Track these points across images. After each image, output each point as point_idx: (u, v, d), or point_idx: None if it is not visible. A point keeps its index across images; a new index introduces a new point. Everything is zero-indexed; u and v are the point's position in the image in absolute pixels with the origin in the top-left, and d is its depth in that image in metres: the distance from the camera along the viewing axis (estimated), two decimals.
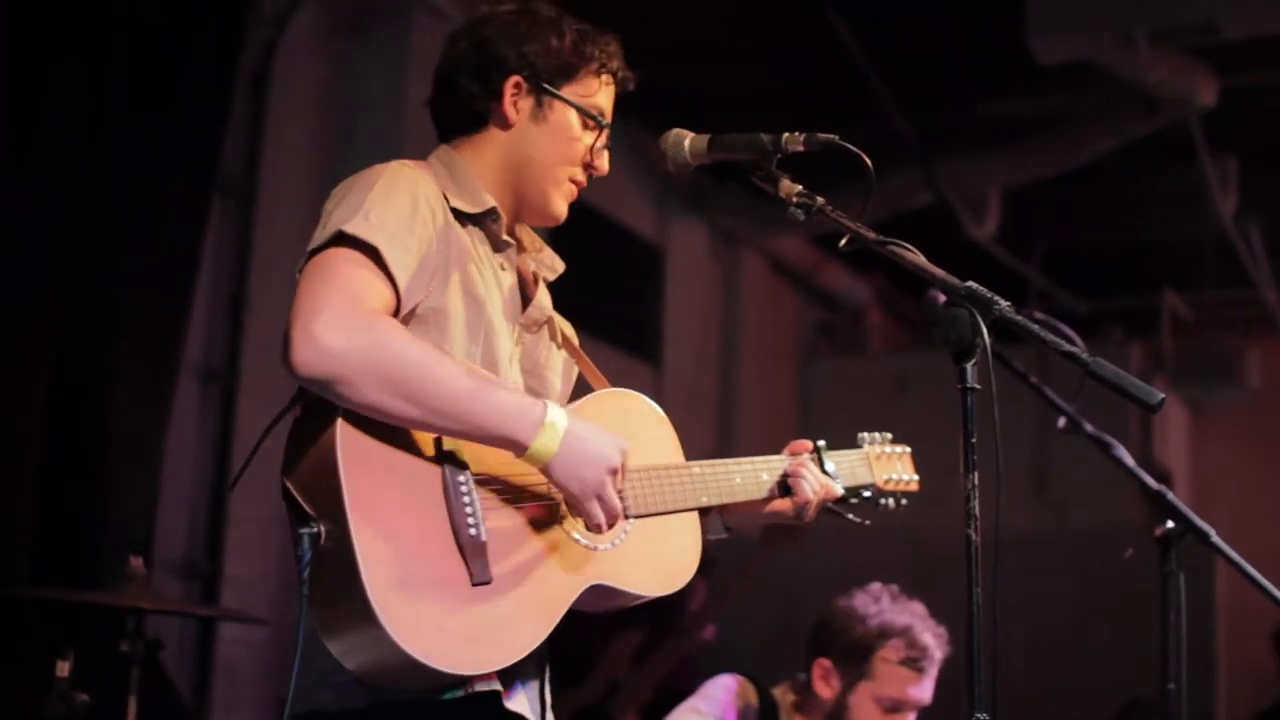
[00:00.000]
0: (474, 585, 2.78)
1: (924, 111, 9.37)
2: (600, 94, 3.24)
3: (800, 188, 3.04)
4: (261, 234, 6.98)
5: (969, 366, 2.72)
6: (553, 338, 3.32)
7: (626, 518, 3.10)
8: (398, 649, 2.65)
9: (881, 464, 3.79)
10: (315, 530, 2.71)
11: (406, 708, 2.80)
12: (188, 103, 6.25)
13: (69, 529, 5.63)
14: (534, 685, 3.06)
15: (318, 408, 2.78)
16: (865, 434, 3.80)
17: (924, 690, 4.52)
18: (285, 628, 6.81)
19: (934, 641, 4.52)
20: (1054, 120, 9.48)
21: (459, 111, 3.22)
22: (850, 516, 3.68)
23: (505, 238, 3.17)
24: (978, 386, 2.72)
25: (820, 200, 3.00)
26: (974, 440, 2.69)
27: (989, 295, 2.76)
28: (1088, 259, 12.34)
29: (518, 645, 2.85)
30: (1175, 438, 13.13)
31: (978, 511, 2.67)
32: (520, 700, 2.96)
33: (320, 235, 2.85)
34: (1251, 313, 12.80)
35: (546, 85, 3.18)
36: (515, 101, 3.17)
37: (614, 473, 2.93)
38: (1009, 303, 2.79)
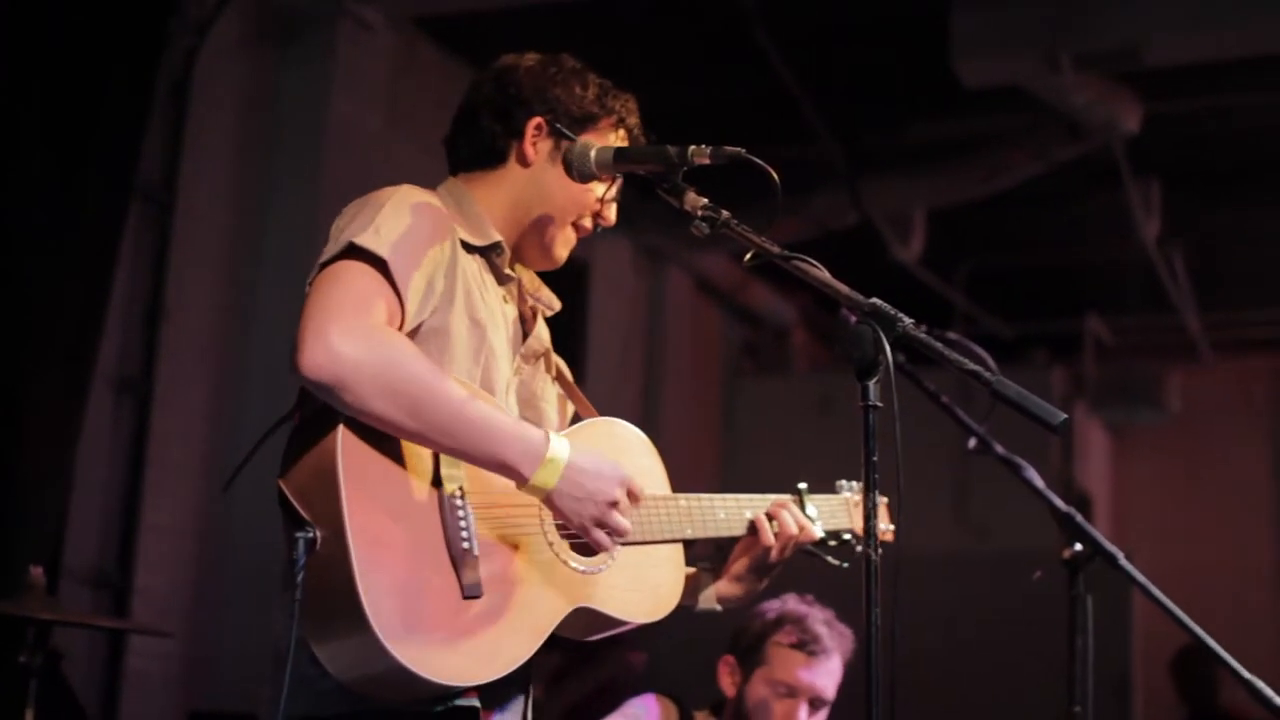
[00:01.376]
0: (464, 598, 2.82)
1: (851, 132, 9.41)
2: (615, 144, 3.27)
3: (705, 200, 3.04)
4: (180, 242, 6.92)
5: (872, 384, 2.72)
6: (548, 370, 3.36)
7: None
8: (388, 656, 2.67)
9: (860, 511, 3.81)
10: (311, 535, 2.73)
11: (386, 717, 2.83)
12: (107, 108, 6.20)
13: None
14: (515, 709, 3.10)
15: (319, 416, 2.82)
16: (843, 481, 3.85)
17: (816, 676, 4.55)
18: (196, 640, 6.77)
19: (827, 631, 4.57)
20: (979, 143, 9.52)
21: (478, 147, 3.29)
22: (829, 559, 3.74)
23: (508, 272, 3.22)
24: (880, 404, 2.73)
25: (725, 214, 3.00)
26: (875, 459, 2.69)
27: (893, 312, 2.76)
28: (1012, 282, 12.40)
29: (504, 660, 2.88)
30: (1097, 461, 13.22)
31: (877, 531, 2.66)
32: None
33: (332, 247, 2.90)
34: (1173, 338, 12.91)
35: (566, 130, 3.22)
36: (535, 142, 3.24)
37: (613, 505, 2.98)
38: (913, 320, 2.79)
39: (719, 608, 3.54)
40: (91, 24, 6.09)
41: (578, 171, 3.20)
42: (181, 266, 6.91)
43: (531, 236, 3.27)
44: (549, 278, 3.43)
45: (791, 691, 4.54)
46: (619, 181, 3.28)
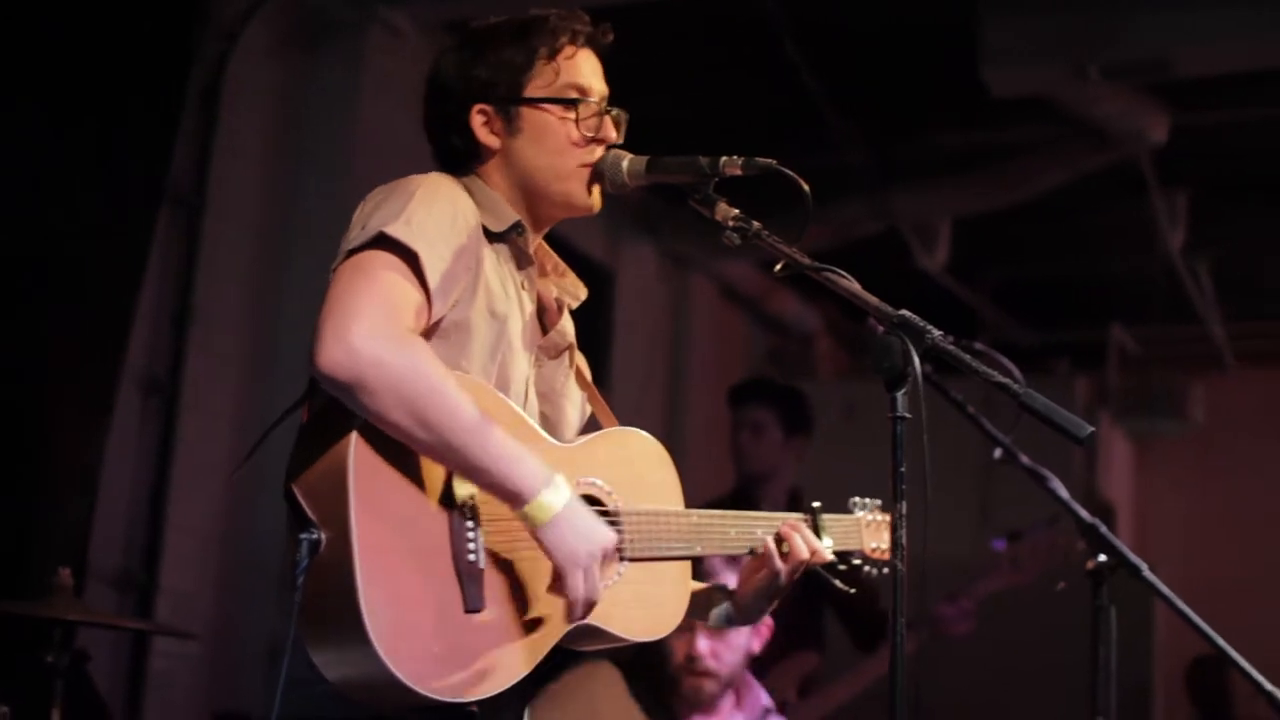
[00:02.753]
0: (466, 612, 2.79)
1: (877, 141, 9.40)
2: (567, 70, 3.21)
3: (737, 211, 3.05)
4: (209, 246, 6.94)
5: (900, 395, 2.73)
6: (570, 365, 3.33)
7: (622, 560, 3.12)
8: (384, 667, 2.65)
9: (871, 531, 3.81)
10: (316, 537, 2.71)
11: None
12: (138, 113, 6.21)
13: (2, 539, 5.58)
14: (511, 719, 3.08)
15: (331, 413, 2.77)
16: (857, 499, 3.84)
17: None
18: (220, 642, 6.80)
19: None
20: (1006, 153, 9.51)
21: (454, 157, 3.23)
22: (836, 583, 3.69)
23: (529, 253, 3.18)
24: (909, 415, 2.74)
25: (756, 225, 3.01)
26: (903, 469, 2.70)
27: (922, 324, 2.77)
28: (1037, 291, 12.39)
29: (503, 677, 2.85)
30: (1119, 472, 13.18)
31: (905, 540, 2.67)
32: None
33: (360, 236, 2.85)
34: (1198, 349, 12.88)
35: (507, 99, 3.17)
36: (489, 128, 3.18)
37: (596, 560, 2.92)
38: (943, 332, 2.80)
39: (728, 626, 3.53)
40: (121, 31, 6.12)
41: (611, 183, 3.19)
42: (210, 270, 6.94)
43: (547, 201, 3.23)
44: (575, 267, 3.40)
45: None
46: (591, 104, 3.21)
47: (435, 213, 2.90)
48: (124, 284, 6.17)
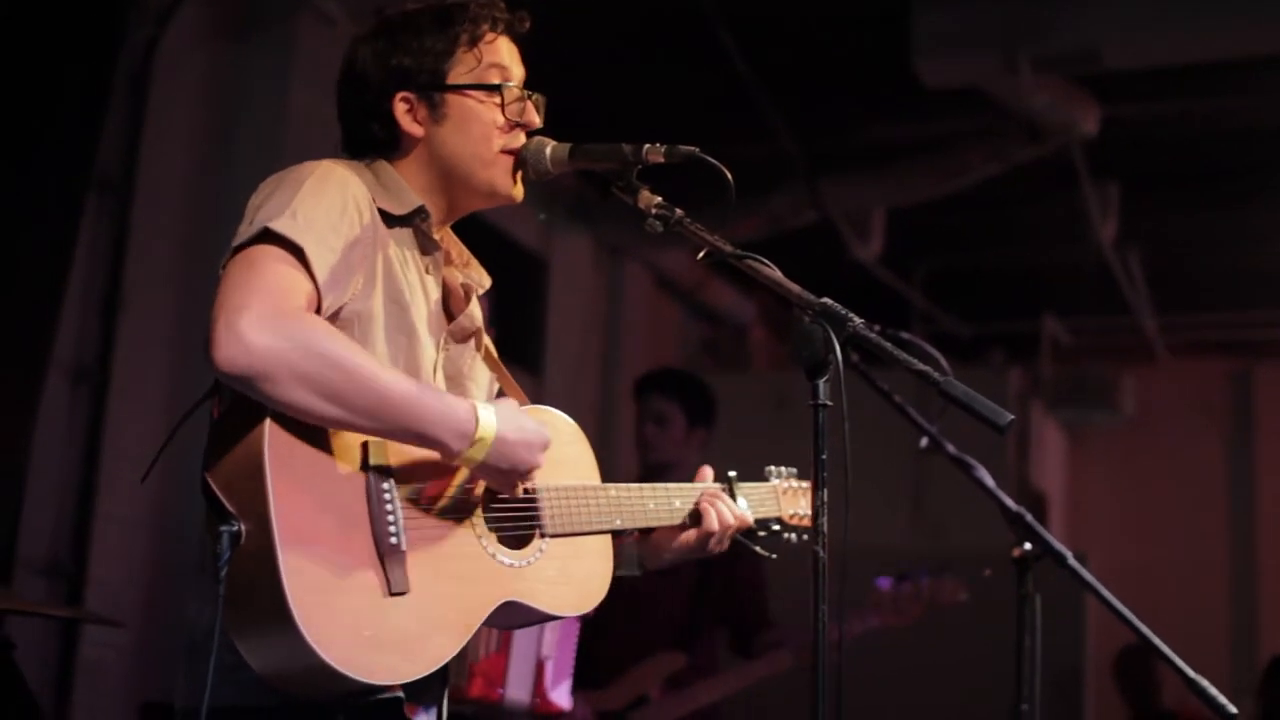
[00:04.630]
0: (390, 594, 2.78)
1: (810, 131, 9.42)
2: (489, 56, 3.19)
3: (660, 199, 3.06)
4: (137, 232, 6.88)
5: (822, 383, 2.74)
6: (478, 349, 3.31)
7: (542, 537, 3.13)
8: (313, 654, 2.63)
9: (788, 499, 3.83)
10: (236, 529, 2.68)
11: (308, 709, 2.78)
12: (65, 99, 6.16)
13: None
14: (435, 700, 3.08)
15: (243, 404, 2.75)
16: (772, 467, 3.86)
17: None
18: (150, 630, 6.76)
19: None
20: (938, 144, 9.56)
21: (368, 143, 3.19)
22: (757, 549, 3.71)
23: (434, 238, 3.15)
24: (829, 403, 2.75)
25: (679, 212, 3.02)
26: (825, 457, 2.71)
27: (844, 312, 2.78)
28: (970, 282, 12.47)
29: (431, 657, 2.84)
30: (1052, 461, 13.30)
31: (826, 528, 2.69)
32: None
33: (246, 231, 2.81)
34: (1129, 339, 13.02)
35: (430, 86, 3.15)
36: (412, 115, 3.15)
37: (535, 468, 3.00)
38: (869, 321, 2.82)
39: (638, 572, 3.52)
40: (49, 14, 6.07)
41: (534, 170, 3.19)
42: (139, 257, 6.88)
43: (467, 190, 3.21)
44: (481, 255, 3.39)
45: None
46: (512, 89, 3.19)
47: (324, 204, 2.87)
48: (51, 270, 6.12)
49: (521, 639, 4.94)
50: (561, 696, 5.04)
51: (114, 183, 6.82)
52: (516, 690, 4.92)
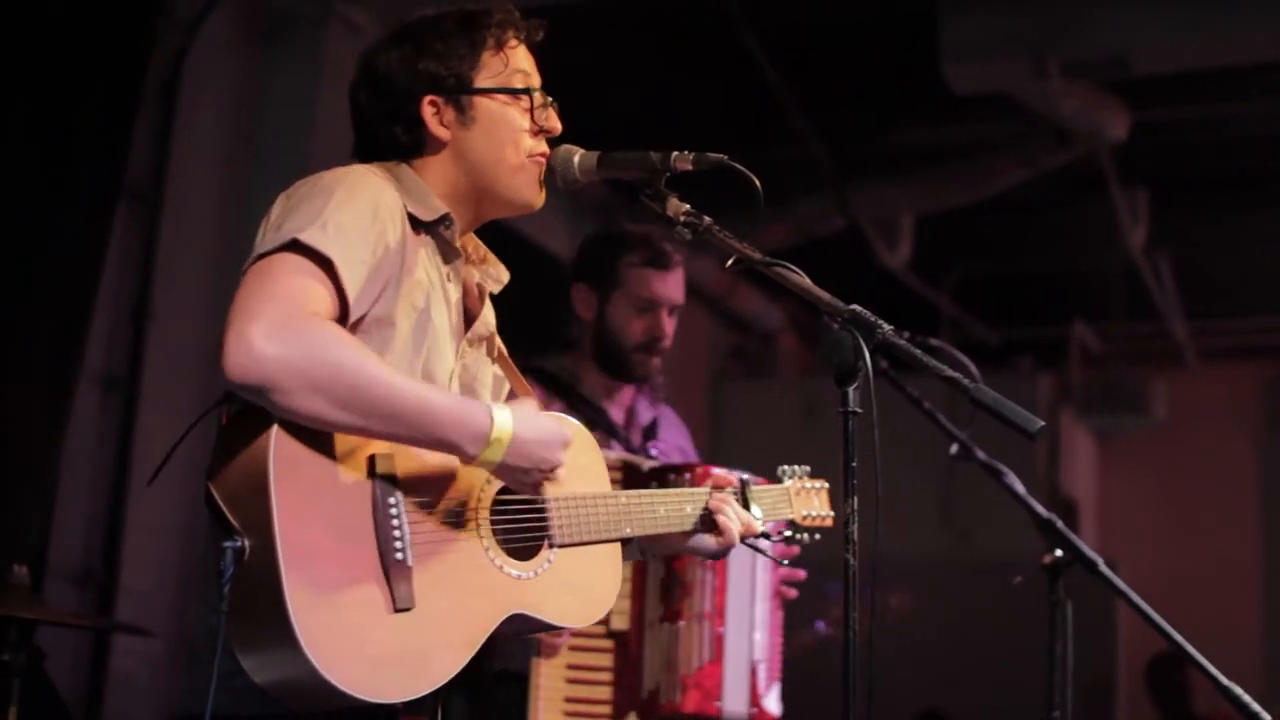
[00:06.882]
0: (395, 611, 2.74)
1: (839, 137, 9.41)
2: (513, 62, 3.18)
3: (688, 207, 3.05)
4: (167, 241, 6.90)
5: (851, 390, 2.73)
6: (489, 353, 3.29)
7: (551, 547, 3.09)
8: (316, 673, 2.59)
9: (801, 499, 3.81)
10: (239, 544, 2.63)
11: (302, 718, 2.74)
12: (95, 108, 6.18)
13: None
14: (428, 706, 3.00)
15: (250, 413, 2.71)
16: (786, 467, 3.83)
17: (669, 287, 4.82)
18: (181, 640, 6.76)
19: (670, 244, 4.83)
20: (967, 150, 9.54)
21: (392, 148, 3.16)
22: (768, 553, 3.68)
23: (456, 246, 3.13)
24: (859, 410, 2.74)
25: (708, 220, 3.01)
26: (854, 464, 2.70)
27: (873, 319, 2.77)
28: (999, 288, 12.43)
29: (436, 674, 2.80)
30: (1082, 467, 13.25)
31: (856, 536, 2.67)
32: None
33: (272, 239, 2.76)
34: (1159, 345, 12.96)
35: (458, 89, 3.13)
36: (440, 120, 3.13)
37: (557, 467, 2.98)
38: (899, 328, 2.81)
39: (639, 558, 3.52)
40: (79, 23, 6.08)
41: (562, 179, 3.18)
42: (168, 266, 6.90)
43: (492, 194, 3.18)
44: (499, 251, 3.36)
45: (652, 305, 4.79)
46: (537, 94, 3.18)
47: (353, 212, 2.83)
48: (81, 279, 6.13)
49: (734, 644, 4.67)
50: (773, 702, 4.90)
51: (143, 192, 6.84)
52: (734, 701, 4.66)
